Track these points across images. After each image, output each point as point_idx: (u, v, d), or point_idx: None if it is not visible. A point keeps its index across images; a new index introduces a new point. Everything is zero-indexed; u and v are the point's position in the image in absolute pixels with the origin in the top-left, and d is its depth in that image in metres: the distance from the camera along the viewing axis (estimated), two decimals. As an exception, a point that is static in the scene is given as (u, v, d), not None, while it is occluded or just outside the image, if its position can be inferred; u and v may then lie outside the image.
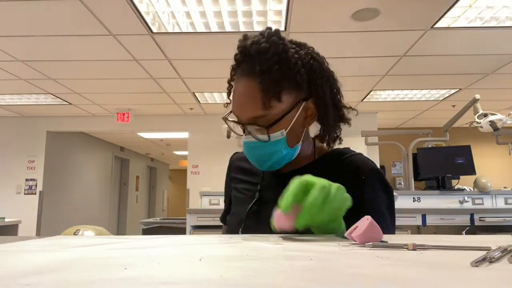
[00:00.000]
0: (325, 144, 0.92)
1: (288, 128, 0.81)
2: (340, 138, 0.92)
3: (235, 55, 0.90)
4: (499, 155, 6.81)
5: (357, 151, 0.99)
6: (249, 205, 0.92)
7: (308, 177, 0.67)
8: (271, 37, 0.81)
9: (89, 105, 5.75)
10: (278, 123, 0.80)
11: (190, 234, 3.29)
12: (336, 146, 0.94)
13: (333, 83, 0.91)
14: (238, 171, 1.05)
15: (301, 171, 0.75)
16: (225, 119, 0.85)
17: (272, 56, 0.79)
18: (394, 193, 1.07)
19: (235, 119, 0.84)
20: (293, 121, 0.81)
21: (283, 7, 2.87)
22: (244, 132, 0.84)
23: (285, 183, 0.69)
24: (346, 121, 0.93)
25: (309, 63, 0.86)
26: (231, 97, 0.88)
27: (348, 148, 0.96)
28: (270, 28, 0.83)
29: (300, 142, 0.87)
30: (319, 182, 0.66)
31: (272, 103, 0.79)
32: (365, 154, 1.00)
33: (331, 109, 0.87)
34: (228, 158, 1.17)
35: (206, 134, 6.28)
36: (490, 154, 6.81)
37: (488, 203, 3.49)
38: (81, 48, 3.61)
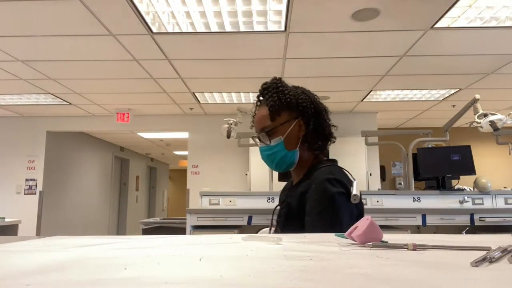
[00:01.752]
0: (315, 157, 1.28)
1: (285, 135, 1.20)
2: (323, 147, 1.26)
3: (257, 96, 1.30)
4: (499, 155, 6.82)
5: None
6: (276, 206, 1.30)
7: None
8: (273, 81, 1.27)
9: (89, 105, 5.75)
10: (277, 131, 1.20)
11: (190, 234, 3.29)
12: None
13: (319, 110, 1.26)
14: None
15: (298, 183, 1.23)
16: (253, 137, 1.33)
17: (272, 90, 1.23)
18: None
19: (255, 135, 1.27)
20: (288, 131, 1.20)
21: (283, 7, 2.87)
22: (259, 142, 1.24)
23: (293, 191, 1.22)
24: (329, 137, 1.27)
25: (300, 95, 1.25)
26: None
27: (329, 160, 1.26)
28: (274, 78, 1.28)
29: (297, 149, 1.21)
30: None
31: (273, 117, 1.20)
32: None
33: (315, 127, 1.21)
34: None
35: (206, 134, 6.28)
36: (490, 154, 6.81)
37: (488, 203, 3.49)
38: (81, 48, 3.61)
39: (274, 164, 1.24)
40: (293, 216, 1.15)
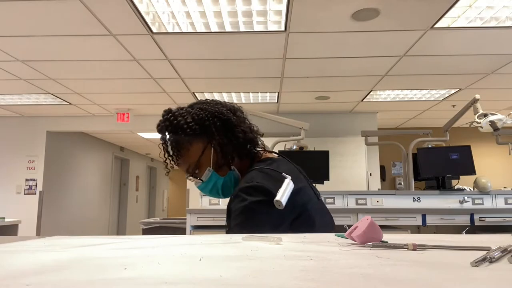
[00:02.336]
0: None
1: (211, 164, 1.09)
2: (253, 147, 1.14)
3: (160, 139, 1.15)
4: (499, 155, 6.82)
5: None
6: None
7: None
8: (164, 117, 1.11)
9: (89, 105, 5.75)
10: (200, 165, 1.10)
11: (190, 234, 3.29)
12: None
13: (226, 118, 1.10)
14: None
15: None
16: (188, 178, 1.15)
17: (168, 128, 1.09)
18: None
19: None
20: (211, 159, 1.09)
21: (283, 7, 2.87)
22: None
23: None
24: (253, 137, 1.14)
25: (199, 116, 1.08)
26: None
27: (262, 161, 1.12)
28: (164, 112, 1.13)
29: (233, 168, 1.11)
30: None
31: (187, 155, 1.09)
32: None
33: (233, 138, 1.09)
34: None
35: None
36: (490, 154, 6.81)
37: (488, 203, 3.49)
38: (81, 48, 3.61)
39: (221, 194, 1.14)
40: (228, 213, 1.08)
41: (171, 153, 1.10)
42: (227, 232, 1.02)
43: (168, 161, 1.12)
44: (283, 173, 1.00)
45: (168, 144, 1.10)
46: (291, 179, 0.99)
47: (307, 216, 1.01)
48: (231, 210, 1.01)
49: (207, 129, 1.08)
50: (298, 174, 1.08)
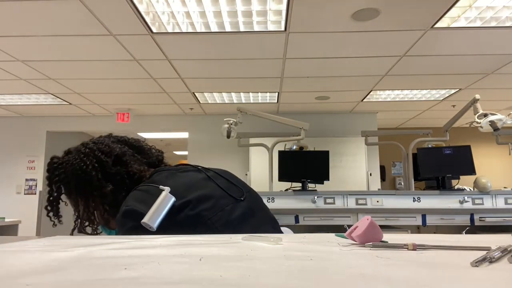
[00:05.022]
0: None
1: (97, 222, 1.02)
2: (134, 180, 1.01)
3: None
4: (499, 155, 6.82)
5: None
6: None
7: None
8: (47, 168, 1.02)
9: (89, 105, 5.75)
10: (90, 220, 1.02)
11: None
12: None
13: (90, 181, 0.97)
14: None
15: None
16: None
17: (50, 185, 1.01)
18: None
19: None
20: (95, 216, 1.01)
21: (283, 7, 2.87)
22: None
23: None
24: (131, 173, 1.01)
25: (70, 167, 0.98)
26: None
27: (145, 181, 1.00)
28: (48, 163, 1.03)
29: (115, 219, 0.95)
30: None
31: (75, 211, 1.03)
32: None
33: (99, 199, 0.99)
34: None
35: (206, 134, 6.28)
36: (490, 154, 6.81)
37: (488, 203, 3.49)
38: (81, 48, 3.61)
39: None
40: None
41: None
42: None
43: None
44: (161, 186, 0.89)
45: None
46: (179, 191, 0.89)
47: (206, 227, 0.88)
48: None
49: (71, 188, 1.00)
50: (196, 183, 0.96)
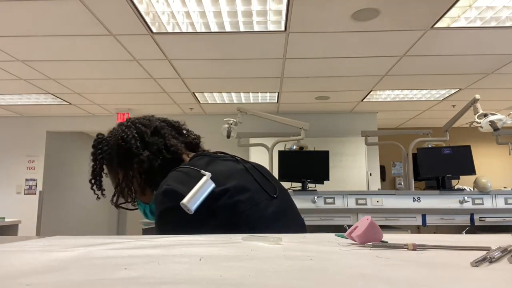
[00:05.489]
0: None
1: (133, 194, 1.05)
2: (176, 159, 1.04)
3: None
4: (499, 155, 6.82)
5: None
6: None
7: None
8: (93, 144, 1.09)
9: (89, 105, 5.75)
10: (128, 197, 1.07)
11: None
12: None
13: (130, 150, 1.02)
14: None
15: None
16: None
17: (95, 158, 1.09)
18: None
19: None
20: (132, 188, 1.05)
21: (283, 7, 2.87)
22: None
23: None
24: (163, 161, 1.02)
25: (117, 136, 1.04)
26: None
27: (184, 163, 1.03)
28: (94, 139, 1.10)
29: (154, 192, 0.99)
30: None
31: (113, 183, 1.09)
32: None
33: (137, 170, 1.02)
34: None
35: (206, 134, 6.25)
36: (490, 154, 6.81)
37: (488, 203, 3.49)
38: (81, 48, 3.61)
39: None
40: None
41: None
42: None
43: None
44: (202, 171, 0.89)
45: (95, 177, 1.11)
46: (219, 179, 0.89)
47: (238, 220, 0.88)
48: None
49: (112, 159, 1.05)
50: (235, 173, 0.97)
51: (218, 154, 1.07)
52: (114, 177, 1.08)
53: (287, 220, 1.00)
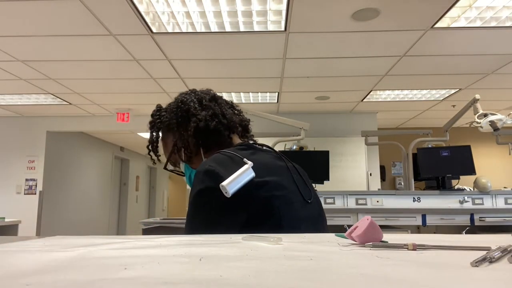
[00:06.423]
0: None
1: (183, 157, 1.08)
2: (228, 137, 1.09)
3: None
4: (499, 155, 6.82)
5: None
6: None
7: None
8: (152, 113, 1.15)
9: (89, 105, 5.75)
10: (177, 160, 1.11)
11: (190, 234, 3.28)
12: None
13: (189, 111, 1.08)
14: None
15: None
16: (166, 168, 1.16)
17: (153, 123, 1.13)
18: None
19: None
20: (182, 151, 1.08)
21: (283, 7, 2.87)
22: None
23: None
24: (218, 132, 1.07)
25: (179, 103, 1.10)
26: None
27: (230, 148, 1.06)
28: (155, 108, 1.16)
29: (203, 160, 1.04)
30: None
31: (166, 153, 1.13)
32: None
33: (192, 133, 1.07)
34: None
35: (206, 134, 6.27)
36: (490, 154, 6.81)
37: (488, 203, 3.49)
38: (81, 48, 3.62)
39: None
40: None
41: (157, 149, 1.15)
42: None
43: (155, 156, 1.15)
44: (245, 159, 0.89)
45: (151, 139, 1.14)
46: (260, 171, 0.89)
47: (270, 214, 0.88)
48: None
49: (170, 122, 1.09)
50: (276, 169, 0.98)
51: (264, 147, 1.10)
52: (169, 141, 1.11)
53: (318, 227, 1.00)
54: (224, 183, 0.82)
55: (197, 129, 1.04)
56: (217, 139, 1.05)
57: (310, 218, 0.98)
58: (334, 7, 2.87)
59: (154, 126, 1.13)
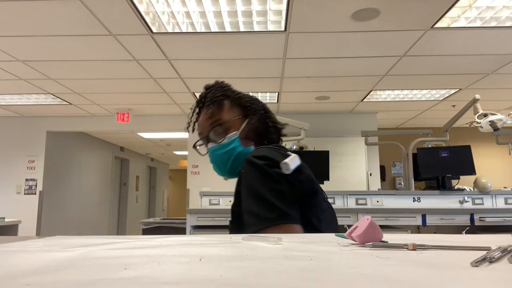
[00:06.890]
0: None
1: (240, 130, 1.10)
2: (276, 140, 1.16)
3: (197, 102, 1.23)
4: (499, 155, 6.82)
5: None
6: None
7: None
8: (216, 82, 1.23)
9: (89, 105, 5.75)
10: (231, 126, 1.11)
11: (190, 234, 3.29)
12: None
13: (266, 108, 1.18)
14: None
15: None
16: (196, 145, 1.22)
17: (219, 88, 1.20)
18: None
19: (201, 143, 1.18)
20: (242, 126, 1.10)
21: (283, 7, 2.87)
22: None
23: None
24: (280, 131, 1.17)
25: (247, 94, 1.19)
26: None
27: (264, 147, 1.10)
28: (216, 81, 1.24)
29: (252, 146, 1.11)
30: None
31: (224, 112, 1.14)
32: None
33: (263, 124, 1.14)
34: None
35: (206, 134, 6.27)
36: (490, 154, 6.81)
37: (488, 203, 3.49)
38: (81, 48, 3.61)
39: (228, 164, 1.10)
40: (233, 210, 1.05)
41: (208, 106, 1.15)
42: (233, 207, 1.03)
43: (192, 118, 1.18)
44: (288, 152, 0.99)
45: (210, 96, 1.16)
46: (302, 166, 0.98)
47: (317, 202, 0.98)
48: (241, 181, 0.98)
49: (249, 106, 1.14)
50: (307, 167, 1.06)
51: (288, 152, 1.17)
52: (234, 111, 1.14)
53: (335, 226, 1.06)
54: (286, 160, 0.91)
55: (264, 115, 1.13)
56: (272, 133, 1.14)
57: (334, 217, 1.08)
58: (334, 7, 2.87)
59: (221, 91, 1.17)
